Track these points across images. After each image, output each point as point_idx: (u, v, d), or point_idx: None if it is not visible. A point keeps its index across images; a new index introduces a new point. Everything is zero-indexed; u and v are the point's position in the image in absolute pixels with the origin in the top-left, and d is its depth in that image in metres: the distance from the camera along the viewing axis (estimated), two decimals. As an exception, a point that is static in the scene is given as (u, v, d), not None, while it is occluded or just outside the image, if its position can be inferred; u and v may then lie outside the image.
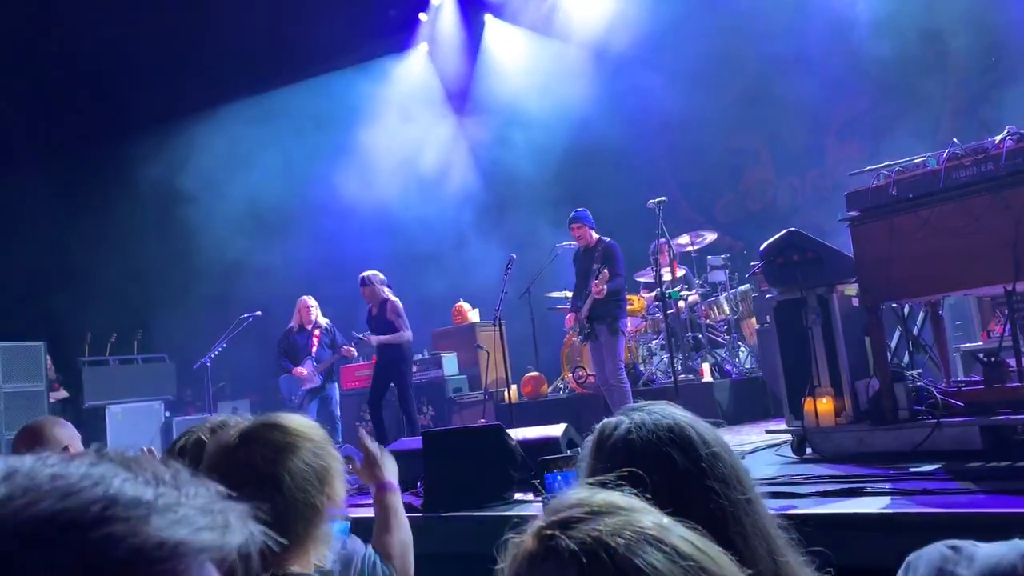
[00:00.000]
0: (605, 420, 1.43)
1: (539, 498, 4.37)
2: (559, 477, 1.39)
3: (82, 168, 12.89)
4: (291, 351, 9.14)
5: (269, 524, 1.70)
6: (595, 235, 7.56)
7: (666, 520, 0.89)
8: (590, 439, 1.44)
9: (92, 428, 10.33)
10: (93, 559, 0.58)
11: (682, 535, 0.88)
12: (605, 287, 7.11)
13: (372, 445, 2.53)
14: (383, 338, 8.21)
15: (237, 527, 0.67)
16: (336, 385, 9.40)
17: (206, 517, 0.65)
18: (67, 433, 3.15)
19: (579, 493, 0.93)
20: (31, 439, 3.05)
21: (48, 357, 10.58)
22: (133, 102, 12.15)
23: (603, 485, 0.99)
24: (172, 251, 12.79)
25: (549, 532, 0.87)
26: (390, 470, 2.51)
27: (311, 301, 9.26)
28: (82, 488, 0.60)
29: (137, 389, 11.48)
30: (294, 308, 9.36)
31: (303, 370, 8.94)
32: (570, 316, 8.01)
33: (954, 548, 1.16)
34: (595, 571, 0.82)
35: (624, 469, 1.18)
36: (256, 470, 1.70)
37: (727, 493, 1.27)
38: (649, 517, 0.89)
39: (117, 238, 12.69)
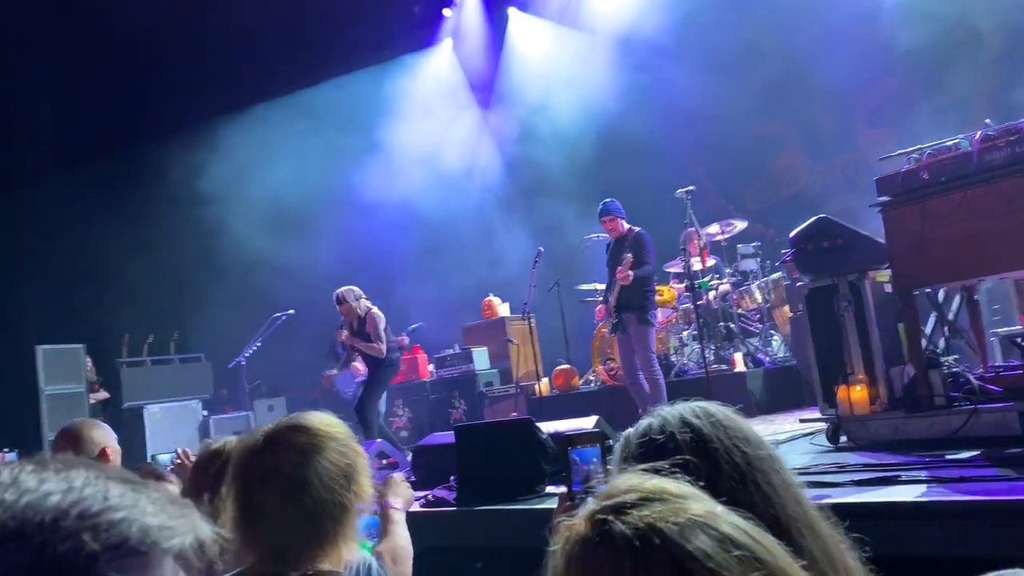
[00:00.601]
0: (627, 430, 1.49)
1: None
2: (593, 460, 1.39)
3: (114, 172, 13.07)
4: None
5: (299, 525, 1.73)
6: (626, 225, 7.53)
7: (719, 508, 0.91)
8: (618, 445, 1.48)
9: (131, 428, 10.51)
10: (41, 561, 0.63)
11: (734, 523, 0.89)
12: (630, 272, 7.08)
13: (398, 478, 2.80)
14: (359, 343, 8.28)
15: (194, 527, 0.69)
16: None
17: (161, 517, 0.68)
18: (103, 434, 3.23)
19: (630, 479, 0.95)
20: (69, 441, 3.13)
21: (89, 359, 10.78)
22: (162, 104, 12.28)
23: (656, 472, 1.01)
24: (205, 252, 12.92)
25: (602, 517, 0.89)
26: (401, 496, 2.70)
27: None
28: (37, 500, 0.66)
29: (174, 389, 11.65)
30: (326, 304, 9.48)
31: (359, 366, 9.13)
32: (600, 307, 8.00)
33: None
34: (648, 556, 0.84)
35: (658, 436, 1.35)
36: (283, 474, 1.70)
37: (751, 450, 1.36)
38: (700, 504, 0.90)
39: (151, 240, 12.85)
